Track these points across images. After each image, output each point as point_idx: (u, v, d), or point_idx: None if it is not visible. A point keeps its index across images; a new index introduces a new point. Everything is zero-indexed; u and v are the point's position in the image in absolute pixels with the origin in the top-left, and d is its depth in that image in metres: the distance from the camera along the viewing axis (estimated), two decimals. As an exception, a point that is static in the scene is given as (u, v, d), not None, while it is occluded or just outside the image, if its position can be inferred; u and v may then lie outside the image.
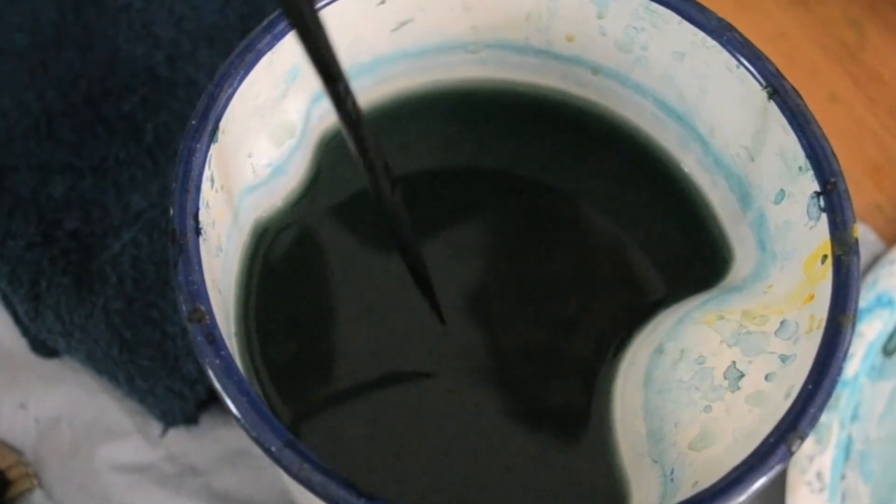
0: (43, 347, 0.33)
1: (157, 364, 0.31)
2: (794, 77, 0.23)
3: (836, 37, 0.40)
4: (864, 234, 0.36)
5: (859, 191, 0.38)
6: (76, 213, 0.33)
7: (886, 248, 0.36)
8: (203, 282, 0.19)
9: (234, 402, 0.18)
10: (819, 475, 0.31)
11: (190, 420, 0.31)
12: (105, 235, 0.33)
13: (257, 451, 0.32)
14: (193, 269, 0.19)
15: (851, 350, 0.33)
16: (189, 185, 0.20)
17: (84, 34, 0.36)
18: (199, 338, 0.19)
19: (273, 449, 0.18)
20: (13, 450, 0.32)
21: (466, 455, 0.24)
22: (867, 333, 0.34)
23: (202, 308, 0.19)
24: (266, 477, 0.32)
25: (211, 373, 0.19)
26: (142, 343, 0.31)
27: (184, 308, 0.19)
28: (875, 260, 0.36)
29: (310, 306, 0.25)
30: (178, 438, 0.32)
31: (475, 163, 0.27)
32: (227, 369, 0.19)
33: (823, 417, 0.32)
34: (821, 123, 0.22)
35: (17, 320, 0.33)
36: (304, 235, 0.25)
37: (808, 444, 0.32)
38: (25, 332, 0.33)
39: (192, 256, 0.20)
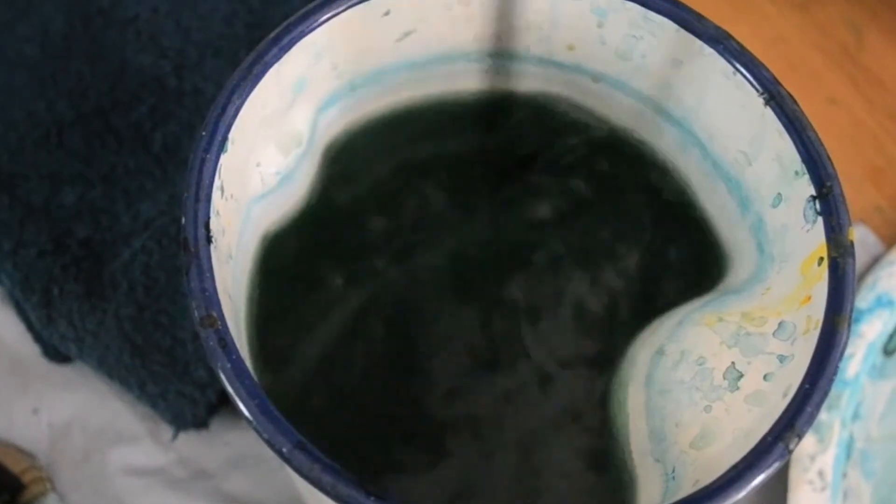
0: (55, 353, 0.33)
1: (168, 369, 0.31)
2: (794, 80, 0.23)
3: (836, 40, 0.41)
4: (864, 236, 0.37)
5: (859, 193, 0.38)
6: (87, 222, 0.33)
7: (886, 249, 0.37)
8: (214, 288, 0.20)
9: (245, 404, 0.19)
10: (821, 474, 0.32)
11: (200, 424, 0.32)
12: (115, 243, 0.33)
13: (267, 454, 0.33)
14: (205, 276, 0.20)
15: (852, 350, 0.33)
16: (200, 195, 0.21)
17: (92, 45, 0.36)
18: (211, 342, 0.19)
19: (284, 450, 0.18)
20: (27, 454, 0.33)
21: (473, 458, 0.24)
22: (867, 334, 0.34)
23: (214, 314, 0.20)
24: (276, 480, 0.32)
25: (223, 376, 0.19)
26: (153, 348, 0.32)
27: (196, 314, 0.20)
28: (875, 261, 0.36)
29: (316, 311, 0.25)
30: (189, 442, 0.33)
31: (477, 170, 0.27)
32: (239, 373, 0.19)
33: (825, 417, 0.32)
34: (820, 127, 0.22)
35: (30, 327, 0.34)
36: (311, 242, 0.26)
37: (810, 444, 0.32)
38: (38, 338, 0.33)
39: (204, 264, 0.20)
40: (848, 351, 0.33)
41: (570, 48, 0.26)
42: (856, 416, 0.33)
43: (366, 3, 0.23)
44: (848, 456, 0.33)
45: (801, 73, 0.40)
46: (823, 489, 0.31)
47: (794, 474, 0.32)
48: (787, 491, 0.31)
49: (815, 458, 0.32)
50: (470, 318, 0.26)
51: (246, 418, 0.19)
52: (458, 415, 0.25)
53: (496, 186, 0.27)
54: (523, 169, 0.27)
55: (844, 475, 0.32)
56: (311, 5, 0.23)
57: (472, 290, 0.26)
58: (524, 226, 0.26)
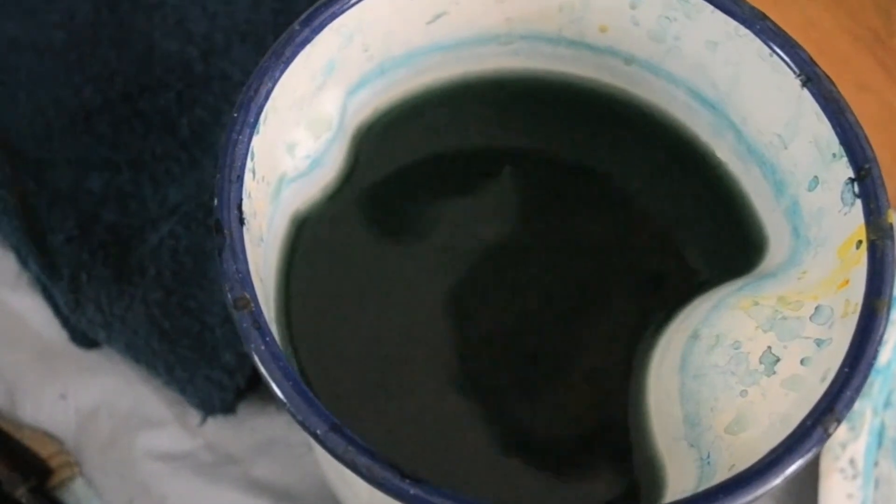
0: (83, 338, 0.33)
1: (196, 354, 0.31)
2: (824, 65, 0.23)
3: (866, 25, 0.40)
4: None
5: (890, 178, 0.37)
6: (114, 207, 0.34)
7: (918, 235, 0.36)
8: (247, 270, 0.20)
9: (279, 386, 0.19)
10: (852, 462, 0.31)
11: (228, 409, 0.32)
12: (143, 228, 0.33)
13: (294, 439, 0.33)
14: (238, 258, 0.20)
15: (885, 337, 0.33)
16: (232, 176, 0.21)
17: (119, 31, 0.36)
18: (244, 324, 0.19)
19: (319, 432, 0.18)
20: (54, 439, 0.33)
21: (501, 438, 0.24)
22: (900, 321, 0.34)
23: (247, 295, 0.19)
24: (303, 465, 0.32)
25: (257, 358, 0.19)
26: (181, 333, 0.32)
27: (229, 296, 0.20)
28: (906, 248, 0.36)
29: (345, 295, 0.25)
30: (216, 427, 0.33)
31: (509, 154, 0.27)
32: (273, 355, 0.19)
33: (856, 404, 0.32)
34: (851, 111, 0.22)
35: (58, 312, 0.34)
36: (340, 226, 0.26)
37: (842, 431, 0.32)
38: (66, 323, 0.34)
39: (237, 245, 0.20)
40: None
41: (603, 30, 0.25)
42: (888, 404, 0.33)
43: (397, -16, 0.23)
44: (879, 444, 0.32)
45: (831, 58, 0.40)
46: (855, 477, 0.31)
47: (825, 462, 0.31)
48: (818, 479, 0.31)
49: (846, 445, 0.32)
50: (503, 301, 0.25)
51: (280, 400, 0.19)
52: (481, 394, 0.24)
53: (528, 166, 0.27)
54: (554, 151, 0.27)
55: (876, 463, 0.32)
56: (342, -13, 0.23)
57: (502, 269, 0.26)
58: (555, 205, 0.26)
